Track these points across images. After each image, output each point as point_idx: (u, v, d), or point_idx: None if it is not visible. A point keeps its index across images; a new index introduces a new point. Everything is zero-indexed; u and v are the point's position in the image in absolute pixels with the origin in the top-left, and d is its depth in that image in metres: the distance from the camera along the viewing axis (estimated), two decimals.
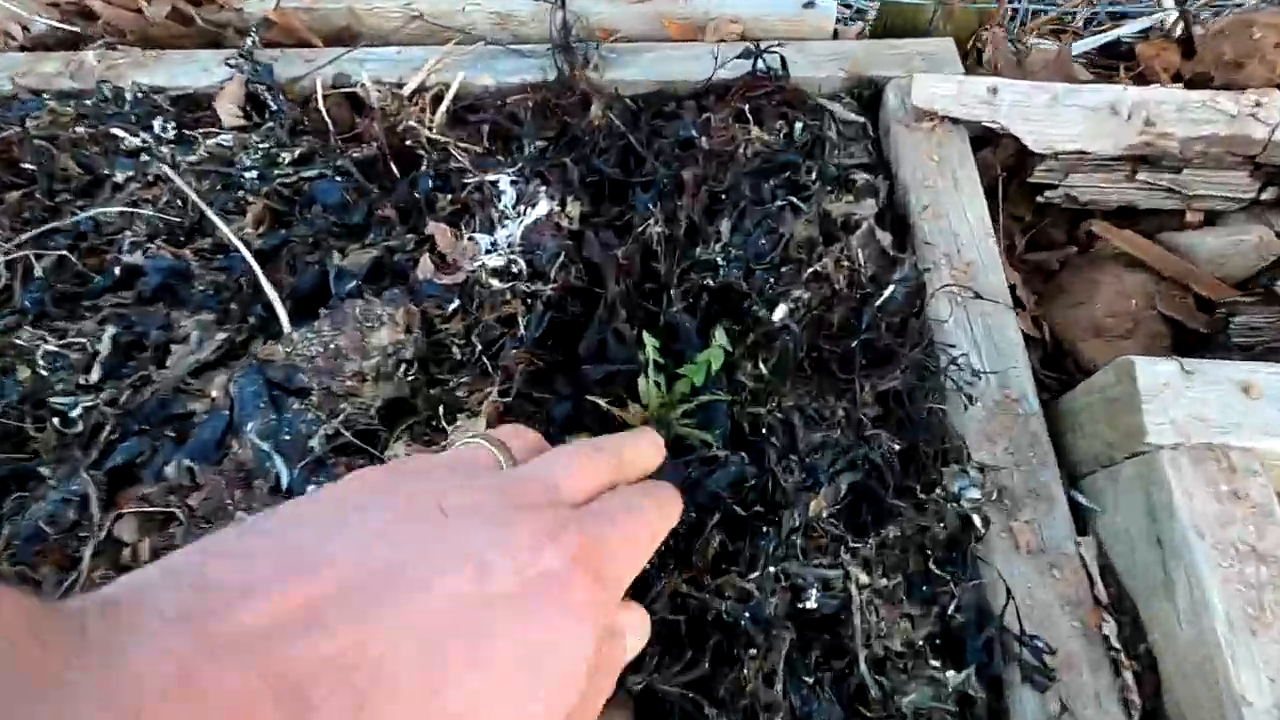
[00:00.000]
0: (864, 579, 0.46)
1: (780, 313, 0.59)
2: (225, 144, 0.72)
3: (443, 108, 0.74)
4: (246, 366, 0.56)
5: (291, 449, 0.52)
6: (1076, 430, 0.55)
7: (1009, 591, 0.46)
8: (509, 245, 0.64)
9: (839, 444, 0.54)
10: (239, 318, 0.63)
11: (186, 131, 0.74)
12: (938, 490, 0.51)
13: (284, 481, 0.51)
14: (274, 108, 0.75)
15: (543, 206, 0.66)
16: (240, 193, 0.69)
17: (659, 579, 0.48)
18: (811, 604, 0.46)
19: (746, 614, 0.46)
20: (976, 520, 0.49)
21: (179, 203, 0.69)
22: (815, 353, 0.60)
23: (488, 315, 0.61)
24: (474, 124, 0.75)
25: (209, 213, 0.66)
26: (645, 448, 0.42)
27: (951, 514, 0.50)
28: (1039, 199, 0.76)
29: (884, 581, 0.46)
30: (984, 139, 0.74)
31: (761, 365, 0.58)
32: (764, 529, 0.51)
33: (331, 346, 0.58)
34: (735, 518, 0.53)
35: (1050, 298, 0.74)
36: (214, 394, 0.56)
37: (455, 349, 0.61)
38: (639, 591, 0.45)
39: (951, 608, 0.47)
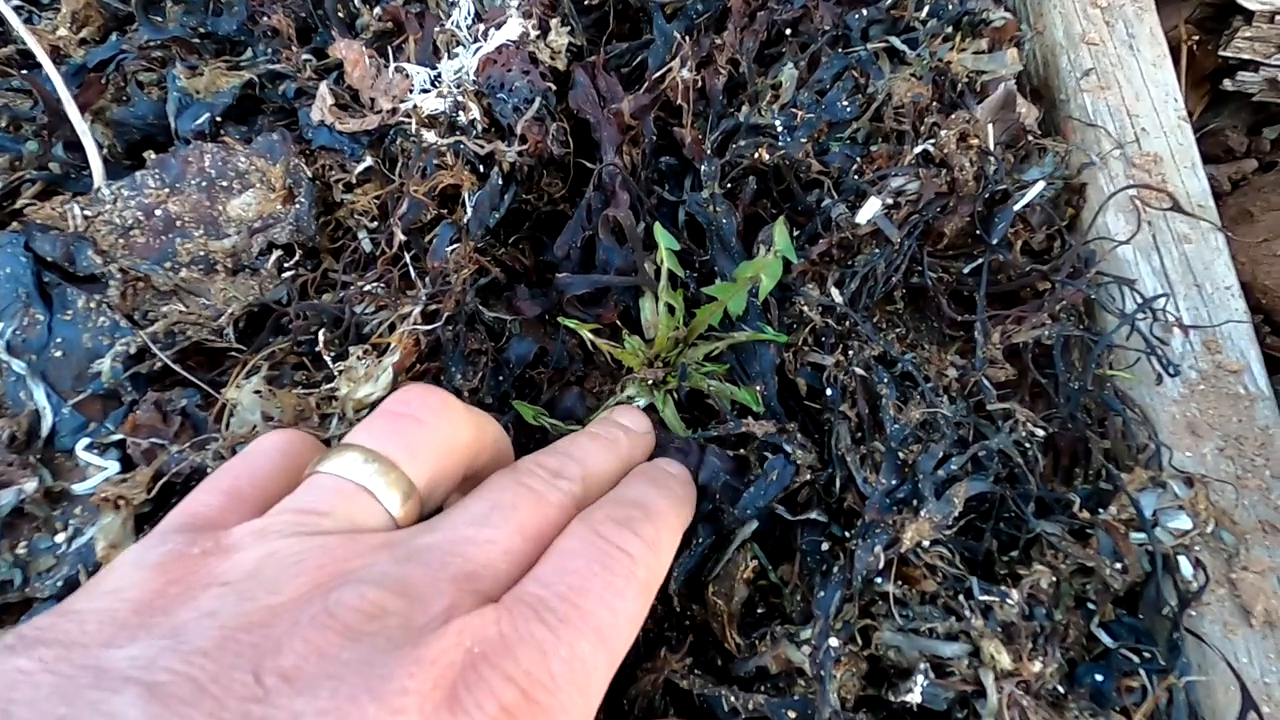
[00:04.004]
0: (1005, 660, 0.27)
1: (870, 210, 0.37)
2: None
3: None
4: (7, 235, 0.34)
5: (64, 373, 0.32)
6: None
7: (1245, 694, 0.27)
8: (457, 83, 0.42)
9: (952, 424, 0.34)
10: (37, 162, 0.41)
11: None
12: (1112, 509, 0.32)
13: (44, 426, 0.31)
14: None
15: (512, 28, 0.43)
16: None
17: (639, 660, 0.29)
18: (913, 696, 0.27)
19: (789, 715, 0.27)
20: (1185, 566, 0.30)
21: None
22: (914, 276, 0.39)
23: (417, 186, 0.39)
24: None
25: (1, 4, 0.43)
26: (625, 447, 0.30)
27: (1139, 552, 0.31)
28: (1224, 84, 0.53)
29: (1037, 664, 0.27)
30: None
31: (834, 291, 0.38)
32: (826, 556, 0.32)
33: (159, 213, 0.37)
34: (777, 528, 0.34)
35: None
36: None
37: (363, 235, 0.40)
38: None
39: (1141, 715, 0.28)
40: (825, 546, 0.33)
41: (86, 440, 0.30)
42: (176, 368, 0.32)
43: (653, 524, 0.24)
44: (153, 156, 0.38)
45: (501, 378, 0.38)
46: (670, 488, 0.28)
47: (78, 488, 0.29)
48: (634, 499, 0.26)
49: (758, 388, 0.36)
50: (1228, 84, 0.53)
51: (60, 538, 0.29)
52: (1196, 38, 0.51)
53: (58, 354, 0.32)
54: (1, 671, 0.17)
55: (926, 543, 0.31)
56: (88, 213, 0.36)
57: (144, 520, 0.29)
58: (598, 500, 0.26)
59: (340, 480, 0.22)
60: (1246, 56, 0.51)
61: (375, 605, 0.18)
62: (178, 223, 0.37)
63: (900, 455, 0.33)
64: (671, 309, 0.38)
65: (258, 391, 0.32)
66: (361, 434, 0.24)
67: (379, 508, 0.22)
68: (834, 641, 0.28)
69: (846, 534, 0.33)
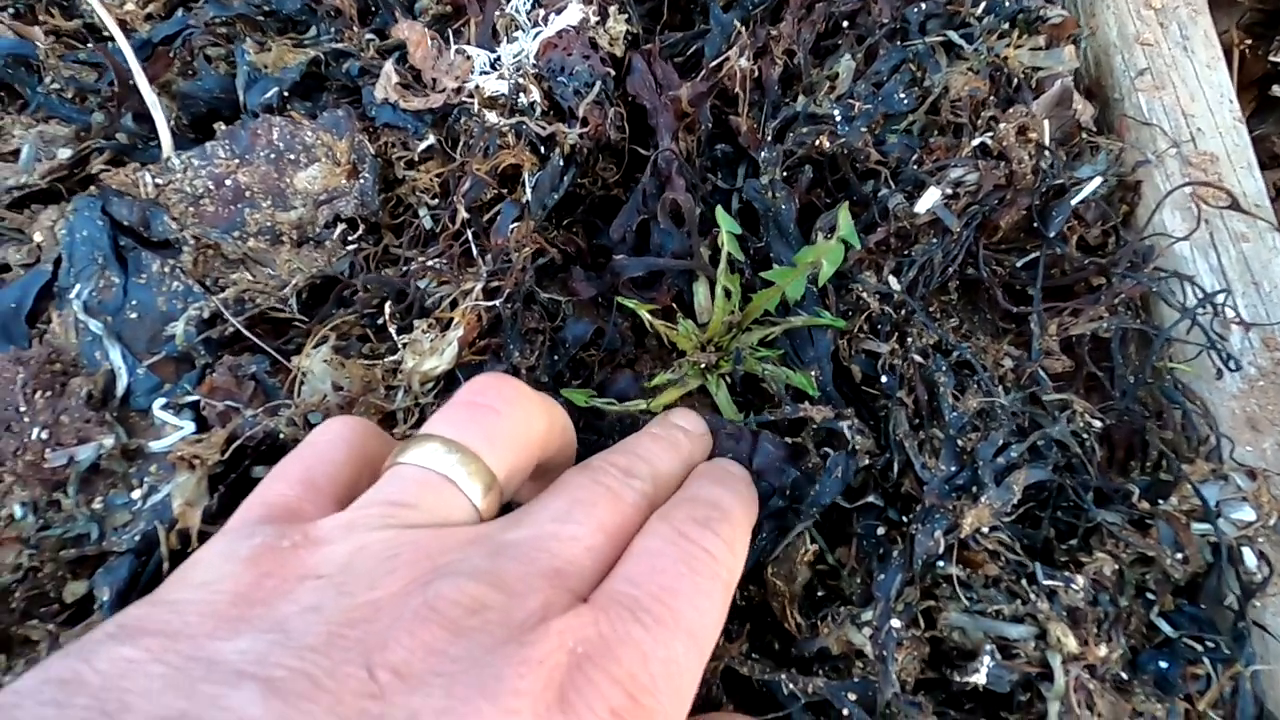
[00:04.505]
0: (1072, 643, 0.27)
1: (930, 200, 0.38)
2: None
3: None
4: (85, 198, 0.35)
5: (139, 334, 0.32)
6: None
7: None
8: (517, 66, 0.42)
9: (1009, 413, 0.34)
10: (105, 132, 0.41)
11: None
12: (1173, 500, 0.32)
13: (119, 385, 0.31)
14: None
15: (573, 13, 0.43)
16: None
17: None
18: (979, 677, 0.27)
19: (850, 697, 0.27)
20: (1249, 558, 0.30)
21: None
22: (968, 268, 0.39)
23: (479, 165, 0.40)
24: None
25: None
26: (686, 448, 0.30)
27: (1200, 543, 0.31)
28: (1272, 90, 0.53)
29: (1103, 649, 0.27)
30: None
31: (891, 279, 0.38)
32: (883, 540, 0.32)
33: (229, 184, 0.37)
34: (833, 512, 0.34)
35: None
36: (38, 237, 0.36)
37: (423, 212, 0.40)
38: None
39: (1206, 702, 0.28)
40: (881, 531, 0.33)
41: (162, 400, 0.30)
42: (249, 334, 0.33)
43: (729, 524, 0.24)
44: (222, 128, 0.38)
45: (557, 357, 0.39)
46: (737, 489, 0.28)
47: (154, 445, 0.30)
48: (708, 499, 0.25)
49: (813, 373, 0.37)
50: (1276, 90, 0.53)
51: (136, 494, 0.29)
52: (1247, 43, 0.51)
53: (133, 316, 0.32)
54: (109, 659, 0.16)
55: (985, 529, 0.31)
56: (159, 181, 0.37)
57: (217, 480, 0.29)
58: (670, 500, 0.25)
59: (424, 471, 0.22)
60: None
61: (473, 599, 0.18)
62: (246, 193, 0.37)
63: (959, 442, 0.33)
64: (728, 293, 0.39)
65: (326, 361, 0.33)
66: (440, 424, 0.24)
67: (463, 499, 0.22)
68: (895, 623, 0.29)
69: (904, 518, 0.33)
